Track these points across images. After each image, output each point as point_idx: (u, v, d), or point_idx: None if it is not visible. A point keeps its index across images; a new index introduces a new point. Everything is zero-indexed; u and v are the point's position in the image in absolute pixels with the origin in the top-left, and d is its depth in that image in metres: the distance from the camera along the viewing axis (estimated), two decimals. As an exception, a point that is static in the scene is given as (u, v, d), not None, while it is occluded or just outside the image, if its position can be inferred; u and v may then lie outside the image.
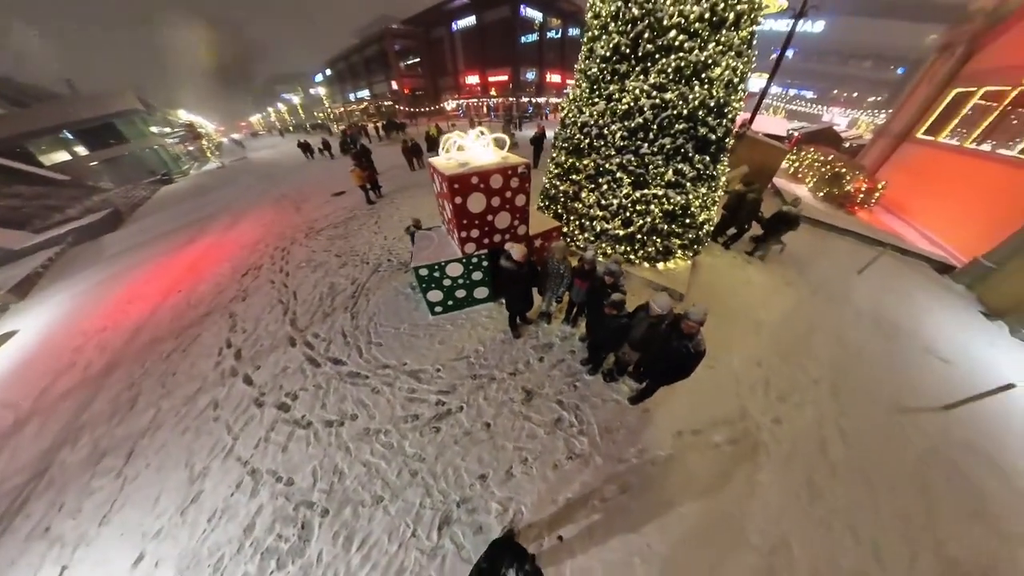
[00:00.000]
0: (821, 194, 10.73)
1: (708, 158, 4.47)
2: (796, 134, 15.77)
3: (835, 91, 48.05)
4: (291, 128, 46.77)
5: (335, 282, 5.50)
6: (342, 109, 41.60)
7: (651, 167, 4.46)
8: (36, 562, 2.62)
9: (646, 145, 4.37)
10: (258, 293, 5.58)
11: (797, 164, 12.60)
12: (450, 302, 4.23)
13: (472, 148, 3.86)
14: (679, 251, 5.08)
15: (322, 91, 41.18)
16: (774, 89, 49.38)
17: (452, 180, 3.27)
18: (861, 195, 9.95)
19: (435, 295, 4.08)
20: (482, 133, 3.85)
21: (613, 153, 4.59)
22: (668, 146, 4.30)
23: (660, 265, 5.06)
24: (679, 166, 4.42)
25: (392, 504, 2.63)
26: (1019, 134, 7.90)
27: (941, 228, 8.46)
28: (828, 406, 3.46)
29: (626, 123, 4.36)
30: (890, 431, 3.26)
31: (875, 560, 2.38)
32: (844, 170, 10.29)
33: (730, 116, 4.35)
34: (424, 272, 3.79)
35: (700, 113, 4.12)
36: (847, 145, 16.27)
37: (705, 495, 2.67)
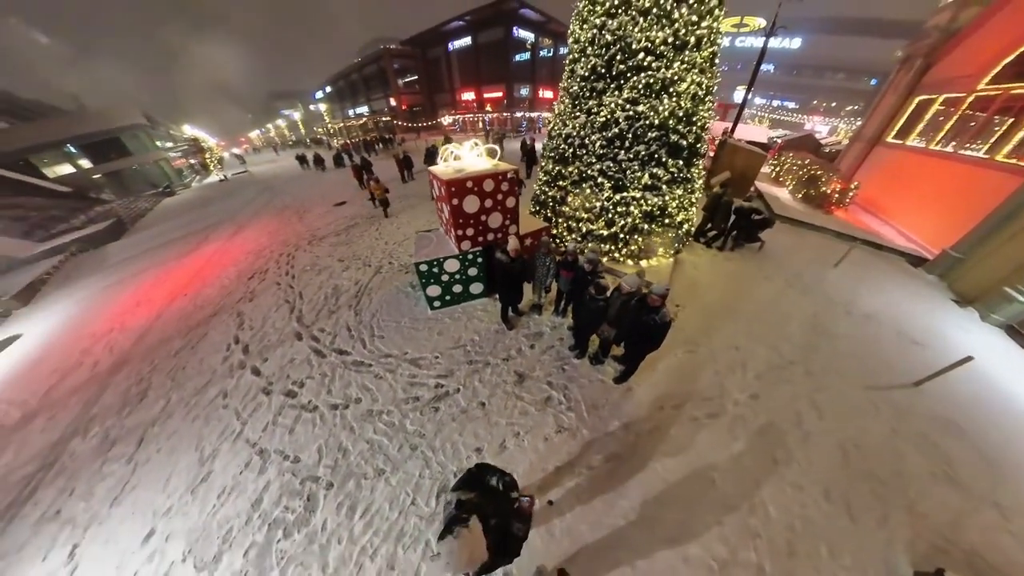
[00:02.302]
0: (800, 195, 11.37)
1: (681, 162, 4.91)
2: (779, 141, 16.64)
3: (815, 101, 50.29)
4: (291, 143, 47.80)
5: (339, 283, 5.76)
6: (341, 124, 42.77)
7: (629, 172, 4.88)
8: (47, 544, 2.75)
9: (623, 152, 4.80)
10: (265, 294, 5.82)
11: (778, 169, 13.29)
12: (448, 296, 4.50)
13: (467, 157, 4.28)
14: (660, 249, 5.44)
15: (322, 107, 42.36)
16: (759, 100, 51.83)
17: (450, 184, 3.65)
18: (837, 195, 10.57)
19: (434, 290, 4.35)
20: (476, 144, 4.25)
21: (594, 160, 5.02)
22: (643, 152, 4.73)
23: (644, 263, 5.40)
24: (654, 170, 4.84)
25: (393, 476, 2.83)
26: (977, 136, 8.58)
27: (913, 224, 9.02)
28: (803, 384, 3.67)
29: (604, 133, 4.82)
30: (862, 405, 3.46)
31: (848, 518, 2.53)
32: (819, 172, 10.96)
33: (699, 124, 4.80)
34: (424, 267, 4.09)
35: (671, 122, 4.57)
36: (827, 151, 17.21)
37: (685, 462, 2.86)
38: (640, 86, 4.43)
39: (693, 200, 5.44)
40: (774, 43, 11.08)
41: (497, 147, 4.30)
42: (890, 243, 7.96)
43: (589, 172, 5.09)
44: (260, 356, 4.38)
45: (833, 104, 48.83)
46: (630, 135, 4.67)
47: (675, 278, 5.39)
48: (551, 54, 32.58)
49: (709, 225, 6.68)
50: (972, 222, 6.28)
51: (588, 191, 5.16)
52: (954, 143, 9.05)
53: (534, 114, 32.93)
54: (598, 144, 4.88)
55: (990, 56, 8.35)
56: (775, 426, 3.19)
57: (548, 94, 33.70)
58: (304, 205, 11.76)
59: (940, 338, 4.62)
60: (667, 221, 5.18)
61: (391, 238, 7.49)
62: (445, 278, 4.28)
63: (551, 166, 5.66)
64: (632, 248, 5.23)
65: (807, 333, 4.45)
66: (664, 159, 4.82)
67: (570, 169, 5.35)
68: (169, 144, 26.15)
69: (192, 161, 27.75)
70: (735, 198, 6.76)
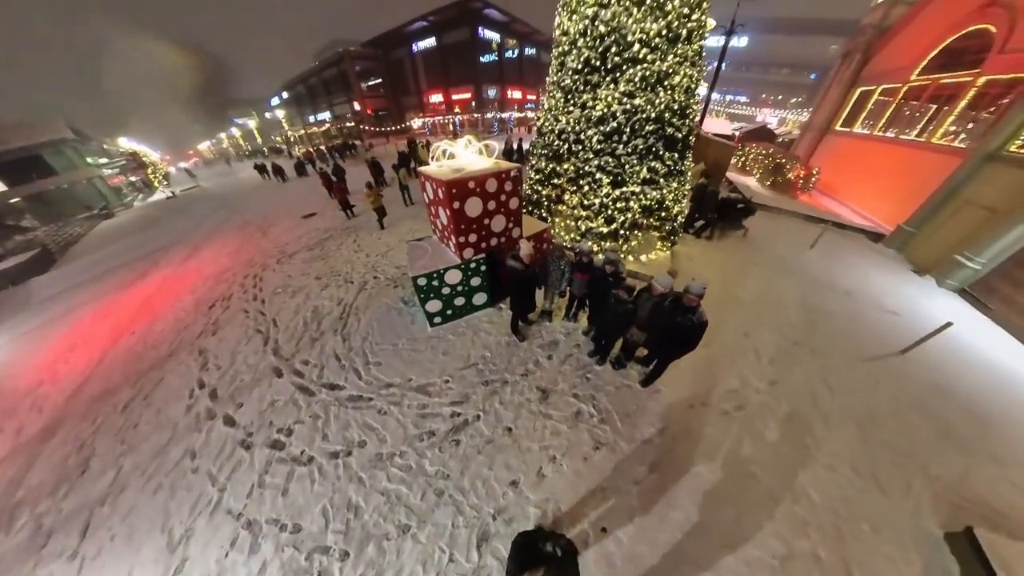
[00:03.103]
0: (768, 183, 12.03)
1: (676, 155, 4.84)
2: (738, 133, 17.61)
3: (763, 95, 54.07)
4: (246, 153, 44.40)
5: (319, 305, 5.14)
6: (302, 132, 40.31)
7: (627, 166, 4.72)
8: None
9: (621, 146, 4.63)
10: (230, 325, 5.07)
11: (743, 159, 13.96)
12: (449, 311, 4.08)
13: (463, 156, 3.89)
14: (658, 243, 5.34)
15: (280, 114, 39.68)
16: (714, 96, 54.85)
17: (451, 185, 3.26)
18: (801, 181, 11.33)
19: (434, 305, 3.91)
20: (470, 141, 3.87)
21: (591, 156, 4.81)
22: (641, 146, 4.59)
23: (643, 257, 5.29)
24: (652, 164, 4.71)
25: (421, 531, 2.40)
26: (913, 122, 9.49)
27: (867, 204, 9.88)
28: (811, 364, 3.84)
29: (601, 128, 4.62)
30: (865, 378, 3.67)
31: (879, 491, 2.64)
32: (784, 161, 11.70)
33: (691, 117, 4.77)
34: (423, 281, 3.65)
35: (666, 115, 4.48)
36: (780, 140, 18.50)
37: (725, 459, 2.80)
38: (636, 79, 4.28)
39: (685, 192, 5.40)
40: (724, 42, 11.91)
41: (494, 143, 3.96)
42: (851, 223, 8.70)
43: (587, 168, 4.87)
44: (232, 401, 3.72)
45: (779, 97, 52.87)
46: (628, 129, 4.50)
47: (674, 270, 5.37)
48: (516, 55, 32.55)
49: (696, 215, 6.89)
50: (920, 199, 7.03)
51: (586, 188, 4.93)
52: (895, 129, 9.98)
53: (505, 114, 32.74)
54: (595, 139, 4.67)
55: (919, 50, 9.35)
56: (798, 411, 3.25)
57: (516, 94, 33.65)
58: (268, 219, 10.74)
59: (910, 306, 5.11)
60: (664, 214, 5.07)
61: (372, 249, 6.90)
62: (446, 291, 3.86)
63: (543, 164, 5.40)
64: (632, 244, 5.08)
65: (803, 313, 4.70)
66: (661, 152, 4.70)
67: (565, 166, 5.12)
68: (103, 160, 23.31)
69: (133, 178, 24.95)
70: (716, 190, 7.00)
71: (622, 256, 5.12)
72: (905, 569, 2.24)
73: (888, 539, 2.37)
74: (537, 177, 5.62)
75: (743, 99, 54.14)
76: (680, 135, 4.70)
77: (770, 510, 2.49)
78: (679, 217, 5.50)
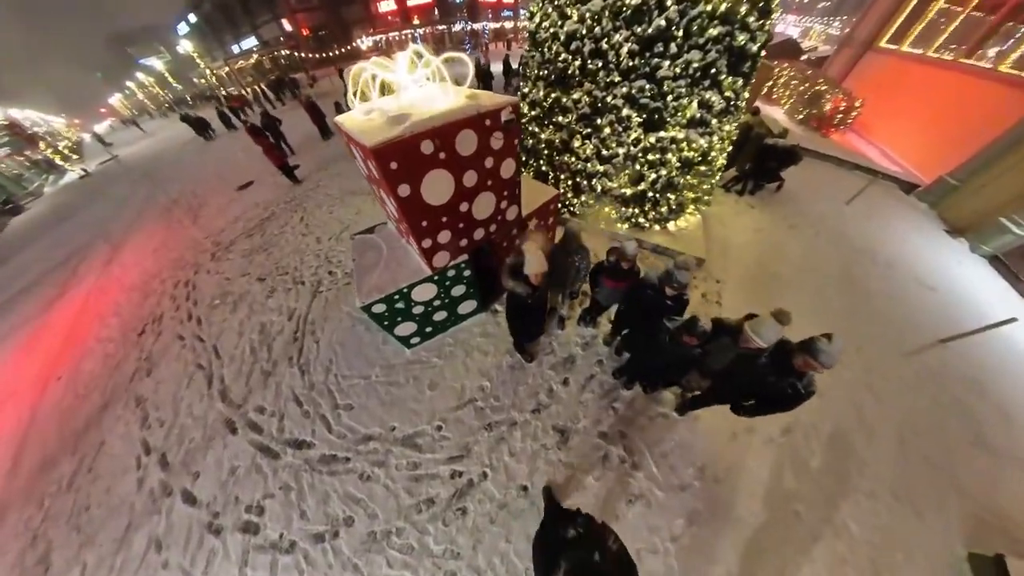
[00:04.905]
0: (799, 116, 9.64)
1: (741, 81, 3.22)
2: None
3: (787, -5, 41.82)
4: (166, 106, 35.99)
5: (266, 321, 4.11)
6: (226, 69, 31.75)
7: (671, 97, 3.10)
8: None
9: (667, 63, 2.95)
10: (166, 358, 4.14)
11: (770, 83, 10.92)
12: (429, 328, 3.10)
13: (410, 87, 2.26)
14: (691, 204, 4.03)
15: (189, 46, 30.57)
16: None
17: (381, 154, 1.79)
18: (839, 115, 9.04)
19: (405, 328, 2.91)
20: (420, 56, 2.22)
21: (618, 79, 3.14)
22: (696, 63, 2.92)
23: (671, 225, 4.07)
24: (706, 95, 3.10)
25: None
26: (980, 43, 7.05)
27: (903, 146, 8.02)
28: (855, 365, 3.35)
29: (637, 29, 2.87)
30: (906, 376, 3.33)
31: (915, 514, 2.48)
32: (824, 88, 9.12)
33: (771, 16, 3.00)
34: (381, 308, 2.54)
35: (742, 10, 2.75)
36: (806, 58, 14.43)
37: (769, 499, 2.51)
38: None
39: (734, 137, 3.87)
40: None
41: (466, 57, 2.31)
42: (885, 169, 7.32)
43: (609, 100, 3.24)
44: (187, 470, 3.06)
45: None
46: (681, 33, 2.81)
47: (708, 241, 4.34)
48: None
49: (733, 165, 5.65)
50: (972, 146, 5.67)
51: (607, 130, 3.37)
52: (954, 50, 7.44)
53: (478, 25, 25.36)
54: (625, 49, 2.96)
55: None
56: (841, 428, 2.91)
57: (488, -8, 25.48)
58: (197, 195, 8.82)
59: (946, 278, 4.64)
60: (705, 169, 3.66)
61: (323, 230, 5.51)
62: (418, 310, 2.80)
63: (542, 92, 3.67)
64: (662, 210, 3.77)
65: (845, 295, 4.16)
66: (722, 76, 3.07)
67: (576, 96, 3.43)
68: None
69: (36, 157, 20.50)
70: (765, 131, 5.45)
71: (648, 225, 3.86)
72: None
73: (920, 566, 2.28)
74: (532, 114, 3.91)
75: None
76: (755, 46, 3.05)
77: (810, 549, 2.31)
78: (720, 173, 4.15)
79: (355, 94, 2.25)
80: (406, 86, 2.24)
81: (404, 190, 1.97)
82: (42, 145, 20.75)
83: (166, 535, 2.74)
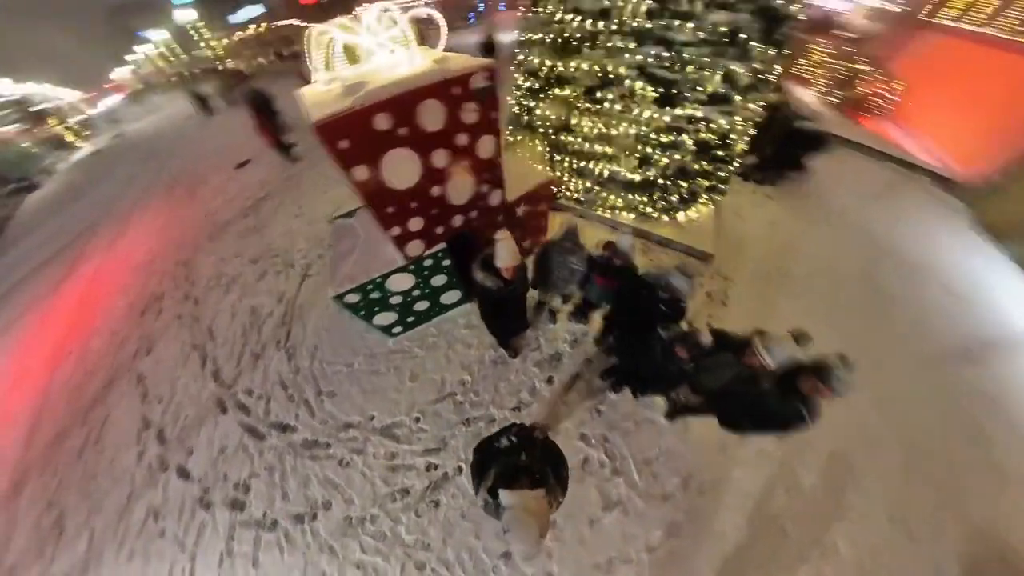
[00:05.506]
0: (833, 99, 8.64)
1: (774, 50, 2.79)
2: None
3: None
4: (173, 80, 35.37)
5: (256, 304, 4.12)
6: (226, 41, 30.64)
7: (690, 67, 2.69)
8: None
9: (689, 25, 2.55)
10: (165, 338, 4.24)
11: (803, 61, 9.71)
12: (411, 318, 3.03)
13: (374, 49, 2.00)
14: (704, 194, 3.66)
15: (190, 17, 29.22)
16: None
17: (327, 130, 1.60)
18: (876, 100, 8.09)
19: (385, 317, 2.84)
20: (385, 11, 1.95)
21: (628, 44, 2.73)
22: (723, 26, 2.53)
23: (681, 215, 3.71)
24: (732, 66, 2.68)
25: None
26: None
27: (947, 139, 7.02)
28: (867, 379, 2.97)
29: None
30: (921, 391, 3.13)
31: (908, 538, 2.38)
32: (865, 70, 8.10)
33: None
34: (354, 299, 2.46)
35: None
36: (846, 35, 12.65)
37: (755, 514, 2.40)
38: None
39: (758, 119, 3.43)
40: None
41: (437, 15, 2.04)
42: (924, 163, 6.60)
43: (617, 69, 2.86)
44: (182, 446, 3.18)
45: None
46: None
47: (719, 235, 4.00)
48: None
49: (754, 150, 4.95)
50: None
51: (614, 105, 3.02)
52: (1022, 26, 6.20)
53: None
54: (642, 7, 2.57)
55: None
56: (842, 446, 2.73)
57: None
58: (198, 172, 8.81)
59: (975, 287, 4.33)
60: (724, 154, 3.26)
61: (316, 211, 5.40)
62: (396, 300, 2.71)
63: (539, 60, 3.27)
64: (672, 198, 3.44)
65: (864, 300, 3.90)
66: (751, 44, 2.67)
67: (578, 64, 3.04)
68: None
69: (44, 134, 20.73)
70: (791, 113, 4.87)
71: (656, 215, 3.56)
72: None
73: None
74: (529, 84, 3.54)
75: None
76: (790, 9, 2.66)
77: (796, 570, 2.22)
78: (738, 158, 3.71)
79: (317, 57, 2.02)
80: (372, 51, 2.02)
81: (361, 172, 1.80)
82: (51, 122, 20.91)
83: (163, 507, 2.88)
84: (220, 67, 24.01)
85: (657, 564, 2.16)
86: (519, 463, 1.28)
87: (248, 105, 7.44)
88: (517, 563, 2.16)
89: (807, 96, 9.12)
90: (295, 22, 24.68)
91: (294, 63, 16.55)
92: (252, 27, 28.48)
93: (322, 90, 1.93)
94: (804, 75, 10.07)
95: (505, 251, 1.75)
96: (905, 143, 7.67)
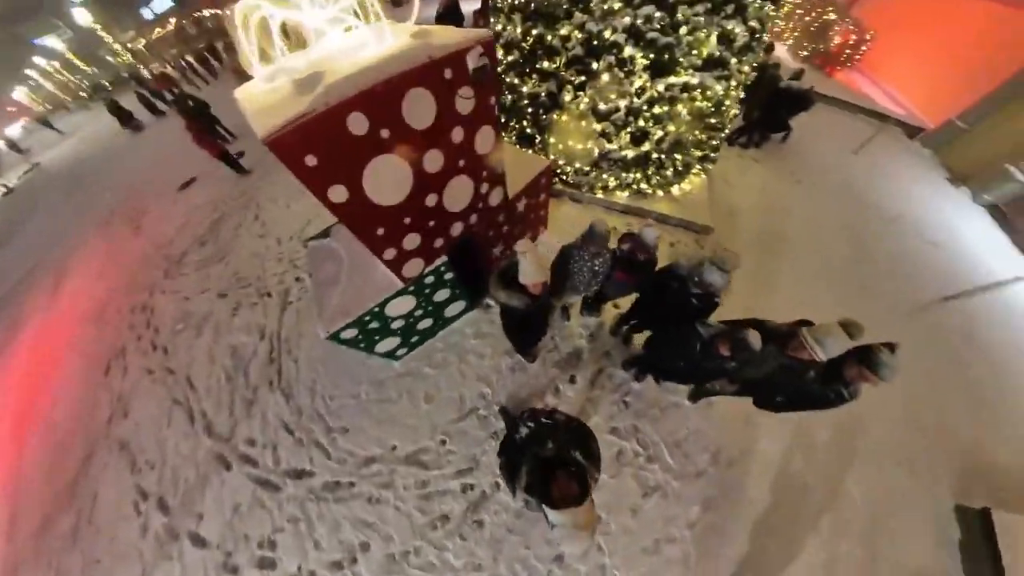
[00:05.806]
0: (804, 53, 8.46)
1: (770, 5, 2.61)
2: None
3: None
4: (84, 94, 30.55)
5: (236, 344, 3.74)
6: (142, 41, 26.16)
7: (684, 30, 2.47)
8: None
9: None
10: (139, 397, 3.83)
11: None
12: (415, 338, 2.79)
13: (324, 28, 1.58)
14: (697, 164, 3.53)
15: (88, 18, 24.48)
16: None
17: (284, 146, 1.26)
18: (847, 51, 8.06)
19: (388, 343, 2.60)
20: None
21: (618, 6, 2.44)
22: None
23: (675, 189, 3.62)
24: (728, 25, 2.47)
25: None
26: None
27: (912, 87, 7.25)
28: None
29: None
30: (911, 339, 3.20)
31: (912, 476, 2.60)
32: (833, 18, 8.02)
33: None
34: (351, 333, 2.17)
35: None
36: None
37: (778, 477, 2.55)
38: None
39: (750, 81, 3.30)
40: None
41: None
42: (892, 112, 6.82)
43: (607, 35, 2.56)
44: (188, 512, 2.93)
45: None
46: None
47: (712, 205, 3.99)
48: None
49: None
50: (988, 85, 5.23)
51: (605, 77, 2.71)
52: None
53: None
54: None
55: None
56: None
57: None
58: (136, 200, 7.84)
59: (948, 232, 4.64)
60: (716, 121, 3.11)
61: (283, 228, 4.90)
62: (398, 324, 2.45)
63: (520, 29, 2.89)
64: (667, 173, 3.25)
65: (853, 256, 4.13)
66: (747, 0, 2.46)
67: (565, 32, 2.70)
68: None
69: None
70: (777, 73, 4.82)
71: (651, 190, 3.37)
72: (923, 540, 2.33)
73: (916, 529, 2.39)
74: (511, 58, 3.15)
75: None
76: None
77: (817, 520, 2.40)
78: (730, 124, 3.59)
79: (243, 51, 1.60)
80: (321, 29, 1.61)
81: (338, 193, 1.45)
82: (-58, 161, 17.97)
83: (183, 578, 2.68)
84: (141, 73, 20.92)
85: (698, 538, 2.29)
86: (547, 454, 1.23)
87: (181, 114, 6.51)
88: (570, 564, 2.15)
89: (780, 51, 9.08)
90: (219, 11, 21.53)
91: (229, 57, 14.66)
92: (172, 21, 24.64)
93: (265, 89, 1.52)
94: (775, 29, 9.90)
95: (530, 266, 1.51)
96: (874, 93, 7.89)
